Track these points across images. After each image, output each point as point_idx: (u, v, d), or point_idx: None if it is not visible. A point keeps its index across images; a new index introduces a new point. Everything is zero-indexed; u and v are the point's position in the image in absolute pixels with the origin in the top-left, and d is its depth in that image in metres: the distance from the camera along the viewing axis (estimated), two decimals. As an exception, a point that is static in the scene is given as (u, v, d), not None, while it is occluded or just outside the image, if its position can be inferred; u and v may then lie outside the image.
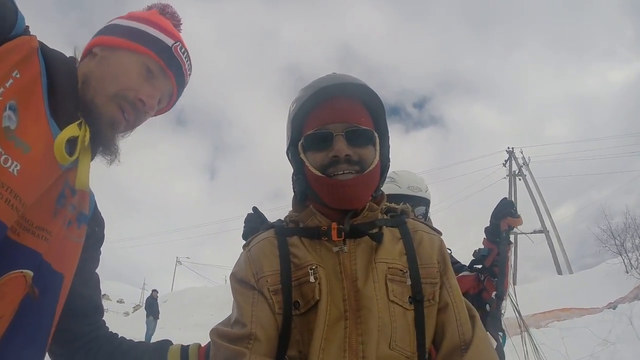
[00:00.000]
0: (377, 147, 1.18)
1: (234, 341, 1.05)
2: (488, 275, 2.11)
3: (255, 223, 1.98)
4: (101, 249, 1.34)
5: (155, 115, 1.31)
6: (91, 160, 1.14)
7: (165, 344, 1.37)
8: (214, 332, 1.12)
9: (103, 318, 1.34)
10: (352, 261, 1.12)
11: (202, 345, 1.34)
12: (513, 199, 27.66)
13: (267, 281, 1.12)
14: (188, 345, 1.35)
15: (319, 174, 1.14)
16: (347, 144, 1.12)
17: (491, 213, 2.15)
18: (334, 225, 1.13)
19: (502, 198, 2.19)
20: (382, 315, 1.06)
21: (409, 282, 1.12)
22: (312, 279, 1.08)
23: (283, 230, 1.22)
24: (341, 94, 1.16)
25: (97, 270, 1.33)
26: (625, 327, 6.90)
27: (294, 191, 1.27)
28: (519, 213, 2.12)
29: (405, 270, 1.13)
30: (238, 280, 1.16)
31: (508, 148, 28.11)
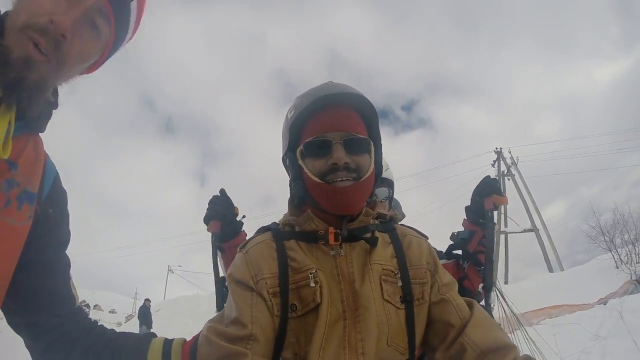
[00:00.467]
0: (372, 155, 1.22)
1: (233, 341, 1.06)
2: (471, 263, 1.88)
3: (220, 207, 1.85)
4: (69, 228, 1.18)
5: (107, 55, 1.08)
6: (40, 118, 0.99)
7: (147, 338, 1.26)
8: (211, 330, 1.12)
9: (77, 306, 1.21)
10: (348, 264, 1.16)
11: (187, 339, 1.25)
12: (503, 199, 27.89)
13: (266, 283, 1.14)
14: (172, 340, 1.25)
15: (318, 180, 1.16)
16: (345, 152, 1.15)
17: (473, 191, 1.93)
18: (331, 229, 1.16)
19: (485, 176, 1.95)
20: (379, 314, 1.11)
21: (400, 283, 1.17)
22: (312, 283, 1.11)
23: (280, 233, 1.24)
24: (339, 103, 1.19)
25: (67, 253, 1.18)
26: (615, 322, 6.97)
27: (291, 195, 1.29)
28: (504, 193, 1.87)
29: (396, 272, 1.18)
30: (236, 281, 1.17)
31: (496, 149, 28.38)
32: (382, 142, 1.29)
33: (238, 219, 1.87)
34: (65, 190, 1.15)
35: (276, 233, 1.25)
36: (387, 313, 1.13)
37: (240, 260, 1.21)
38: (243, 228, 1.88)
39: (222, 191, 1.89)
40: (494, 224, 1.85)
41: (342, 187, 1.15)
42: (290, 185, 1.30)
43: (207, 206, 1.88)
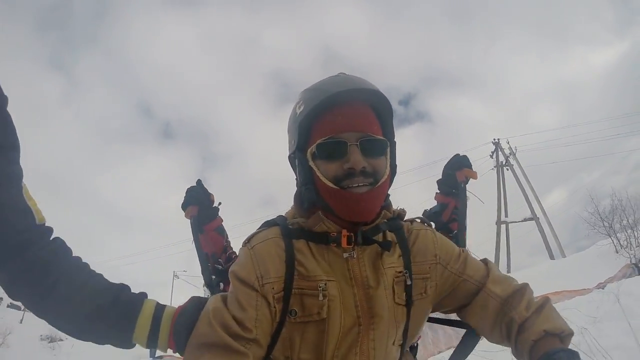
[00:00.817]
0: (388, 157, 1.16)
1: (235, 337, 1.02)
2: (443, 232, 1.83)
3: (197, 194, 1.99)
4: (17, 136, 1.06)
5: None
6: None
7: (140, 298, 1.15)
8: (217, 314, 1.06)
9: (41, 225, 1.07)
10: (361, 267, 1.13)
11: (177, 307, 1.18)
12: (502, 189, 28.11)
13: (272, 288, 1.09)
14: (164, 307, 1.16)
15: (333, 186, 1.09)
16: (362, 155, 1.09)
17: (444, 166, 2.06)
18: (345, 232, 1.11)
19: (455, 154, 2.08)
20: (390, 320, 1.13)
21: (409, 282, 1.16)
22: (320, 297, 1.08)
23: (289, 231, 1.17)
24: (354, 100, 1.12)
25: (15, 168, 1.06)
26: (612, 305, 7.10)
27: (300, 199, 1.20)
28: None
29: (404, 272, 1.17)
30: (240, 280, 1.11)
31: (494, 139, 28.49)
32: (395, 140, 1.22)
33: (214, 205, 2.03)
34: (4, 96, 1.04)
35: (285, 230, 1.17)
36: (396, 316, 1.14)
37: (245, 258, 1.14)
38: (219, 214, 2.04)
39: (198, 181, 2.04)
40: (466, 194, 1.98)
41: (359, 194, 1.08)
42: (297, 184, 1.23)
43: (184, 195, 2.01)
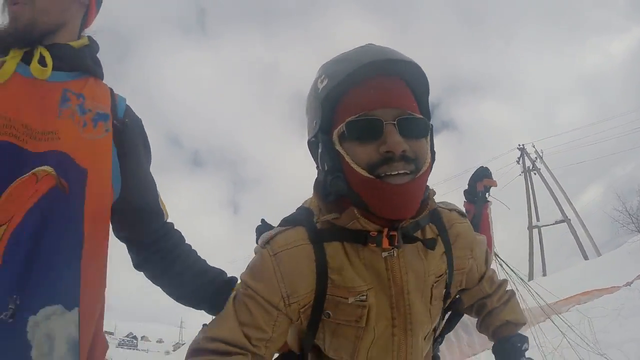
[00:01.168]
0: (429, 140, 1.01)
1: (239, 347, 0.99)
2: None
3: (265, 230, 2.33)
4: (149, 151, 1.30)
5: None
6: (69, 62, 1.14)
7: (234, 279, 1.35)
8: (211, 330, 1.04)
9: (167, 221, 1.33)
10: (402, 268, 1.02)
11: None
12: (531, 195, 27.83)
13: (299, 304, 1.01)
14: None
15: (366, 174, 0.92)
16: (400, 136, 0.93)
17: (469, 178, 2.49)
18: (386, 232, 0.97)
19: (479, 167, 2.54)
20: (427, 323, 1.10)
21: (450, 280, 1.12)
22: (361, 308, 1.01)
23: (318, 234, 1.02)
24: (388, 73, 0.98)
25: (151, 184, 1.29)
26: (637, 301, 7.35)
27: (324, 190, 1.04)
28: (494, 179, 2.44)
29: (445, 273, 1.10)
30: (260, 295, 1.00)
31: (519, 145, 28.29)
32: (432, 123, 1.04)
33: None
34: (139, 118, 1.29)
35: (312, 232, 1.03)
36: (432, 316, 1.10)
37: (265, 267, 1.01)
38: None
39: (262, 220, 2.34)
40: (485, 200, 2.46)
41: (399, 185, 0.91)
42: (319, 172, 1.07)
43: (255, 234, 2.42)
